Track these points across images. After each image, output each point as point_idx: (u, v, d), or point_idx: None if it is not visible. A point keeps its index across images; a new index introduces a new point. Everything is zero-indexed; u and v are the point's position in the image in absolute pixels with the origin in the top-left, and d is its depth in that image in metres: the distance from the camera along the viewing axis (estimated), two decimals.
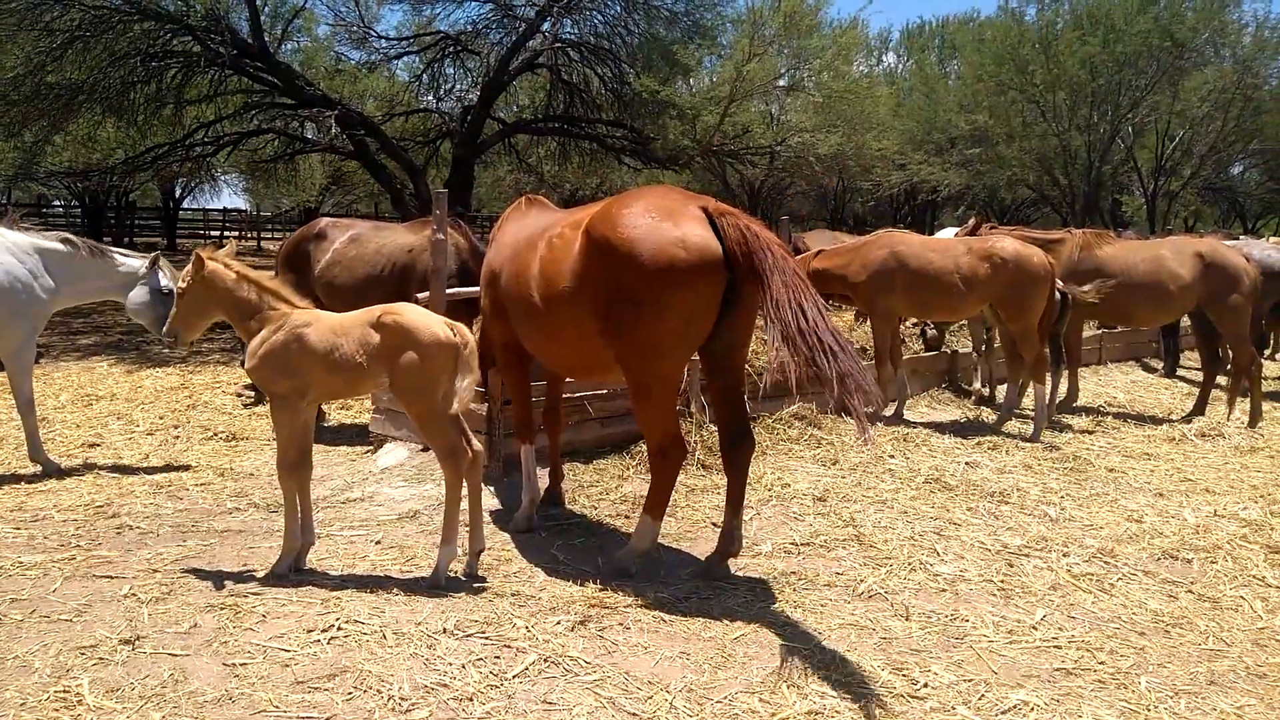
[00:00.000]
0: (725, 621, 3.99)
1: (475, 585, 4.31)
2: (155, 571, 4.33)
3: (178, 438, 7.64)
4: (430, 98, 23.54)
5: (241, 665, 3.42)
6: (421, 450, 6.39)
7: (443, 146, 23.00)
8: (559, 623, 3.91)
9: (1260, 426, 8.36)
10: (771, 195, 32.32)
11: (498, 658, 3.58)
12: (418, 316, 4.32)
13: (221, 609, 3.89)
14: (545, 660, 3.57)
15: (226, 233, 39.94)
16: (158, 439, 7.56)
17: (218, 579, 4.25)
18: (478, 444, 4.43)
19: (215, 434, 7.76)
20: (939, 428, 7.90)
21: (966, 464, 6.83)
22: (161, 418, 8.33)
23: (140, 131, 18.27)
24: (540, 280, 4.49)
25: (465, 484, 4.31)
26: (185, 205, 37.80)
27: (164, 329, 6.59)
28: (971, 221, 9.18)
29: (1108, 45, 19.88)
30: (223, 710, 3.12)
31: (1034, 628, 4.10)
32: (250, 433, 7.88)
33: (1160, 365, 11.82)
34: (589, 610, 4.03)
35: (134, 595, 4.02)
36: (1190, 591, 4.57)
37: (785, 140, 19.24)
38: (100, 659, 3.43)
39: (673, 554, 4.88)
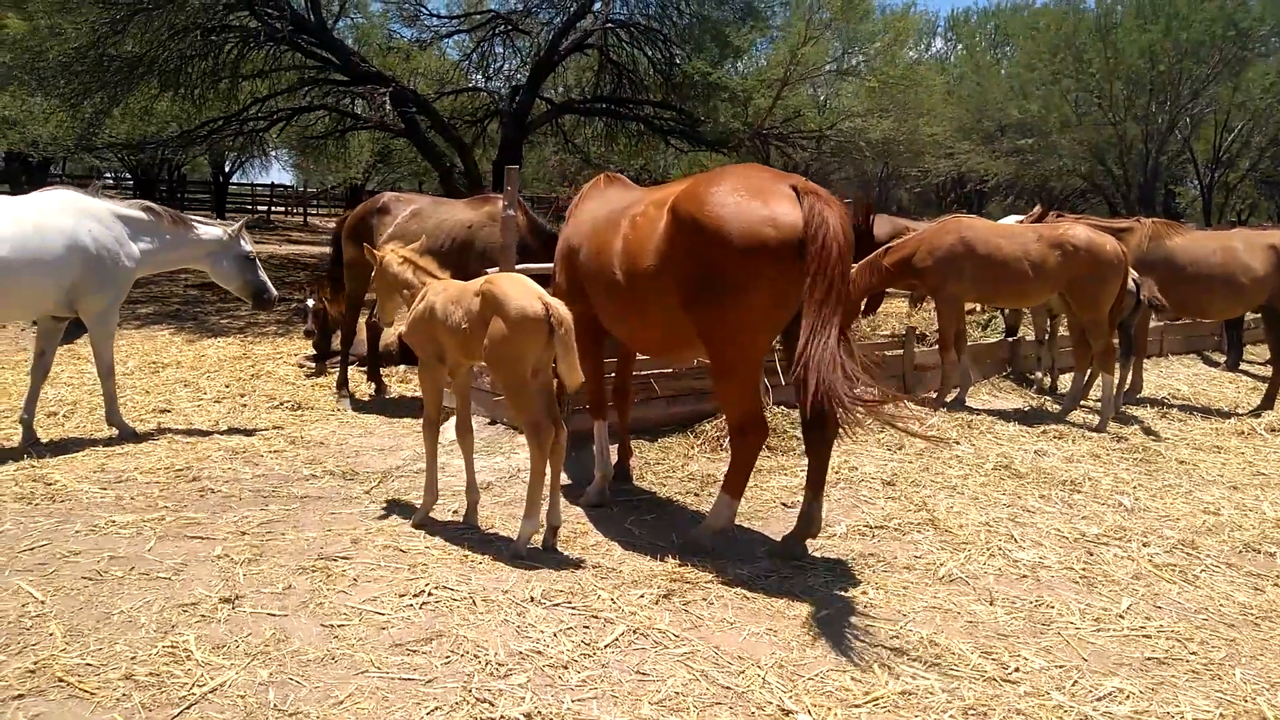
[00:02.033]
0: (808, 601, 3.99)
1: (556, 557, 4.34)
2: (244, 534, 4.41)
3: (245, 405, 7.76)
4: (478, 77, 23.62)
5: (339, 626, 3.47)
6: (489, 423, 6.43)
7: (490, 126, 23.08)
8: (642, 596, 3.93)
9: None
10: (815, 181, 32.03)
11: (587, 627, 3.60)
12: (509, 287, 4.35)
13: (313, 571, 3.96)
14: (634, 632, 3.59)
15: (274, 208, 40.35)
16: (225, 406, 7.69)
17: (308, 543, 4.32)
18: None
19: (281, 403, 7.88)
20: (1003, 415, 7.81)
21: (1034, 452, 6.75)
22: (227, 386, 8.46)
23: (196, 105, 18.49)
24: (624, 258, 4.49)
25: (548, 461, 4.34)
26: (234, 180, 38.25)
27: (259, 295, 6.73)
28: (1037, 209, 9.03)
29: (1170, 33, 19.43)
30: (325, 669, 3.18)
31: (1120, 616, 4.06)
32: (314, 402, 7.99)
33: (1223, 359, 11.60)
34: (671, 585, 4.04)
35: (227, 556, 4.09)
36: (1277, 585, 4.49)
37: (835, 125, 19.03)
38: (203, 616, 3.50)
39: (744, 533, 4.88)
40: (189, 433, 6.62)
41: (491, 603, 3.75)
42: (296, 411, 7.65)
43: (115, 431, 6.42)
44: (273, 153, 30.40)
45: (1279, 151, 25.16)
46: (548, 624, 3.60)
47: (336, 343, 9.52)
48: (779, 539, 4.66)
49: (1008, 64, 27.10)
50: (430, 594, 3.78)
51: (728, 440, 5.13)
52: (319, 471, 5.67)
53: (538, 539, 4.43)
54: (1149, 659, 3.70)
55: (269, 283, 7.02)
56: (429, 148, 19.71)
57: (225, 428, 6.87)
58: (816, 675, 3.37)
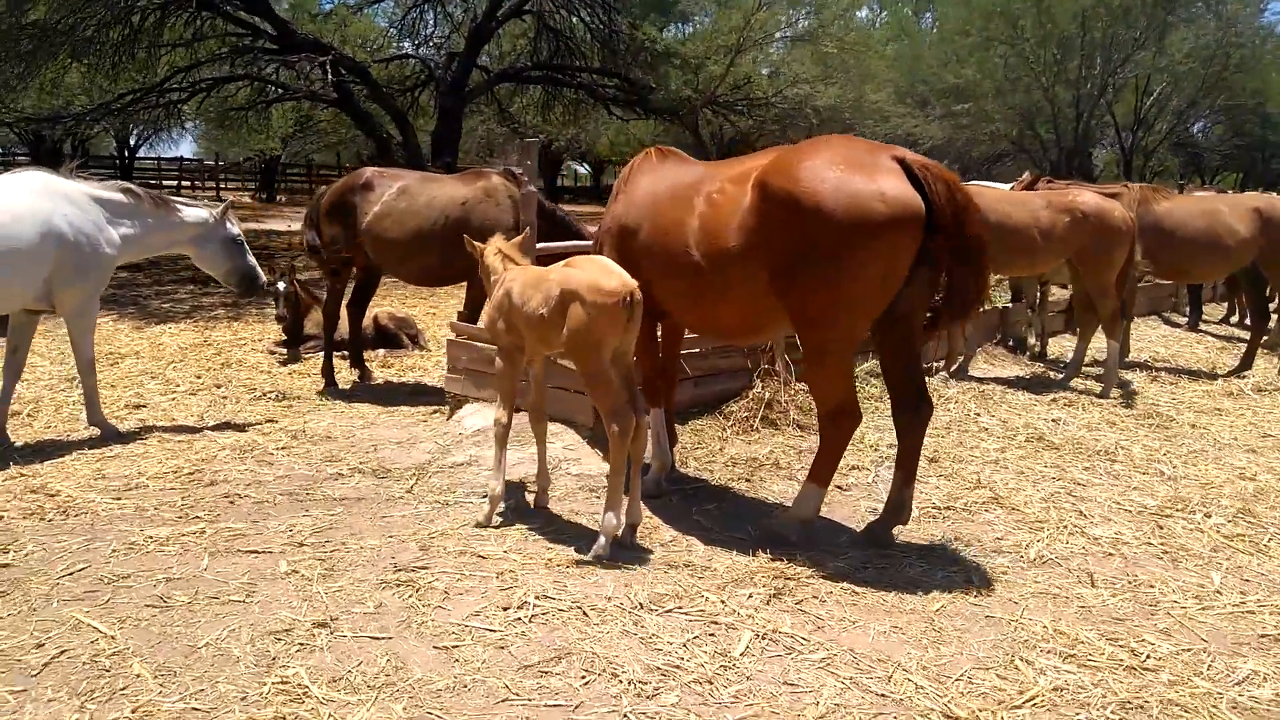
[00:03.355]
0: (918, 593, 3.84)
1: (640, 556, 4.10)
2: (301, 545, 4.05)
3: (225, 398, 7.27)
4: (406, 44, 22.76)
5: (454, 648, 3.18)
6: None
7: (421, 96, 22.28)
8: (751, 596, 3.72)
9: None
10: (740, 149, 31.98)
11: (712, 635, 3.38)
12: (586, 268, 4.09)
13: (398, 585, 3.64)
14: (762, 637, 3.38)
15: (182, 183, 38.47)
16: (204, 399, 7.18)
17: (375, 551, 3.99)
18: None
19: (263, 394, 7.41)
20: (1006, 384, 7.81)
21: (1053, 421, 6.75)
22: (199, 377, 7.93)
23: (109, 77, 17.38)
24: (702, 237, 4.23)
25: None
26: (140, 154, 36.29)
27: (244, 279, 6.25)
28: (1026, 176, 9.03)
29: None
30: (462, 699, 2.88)
31: (1218, 593, 4.02)
32: (299, 391, 7.55)
33: (1183, 320, 11.92)
34: (775, 583, 3.84)
35: (297, 572, 3.73)
36: None
37: (781, 91, 18.89)
38: (301, 644, 3.16)
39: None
40: (177, 430, 6.14)
41: (601, 612, 3.49)
42: (283, 403, 7.19)
43: (96, 431, 5.91)
44: (189, 125, 28.85)
45: (1196, 114, 26.01)
46: (670, 633, 3.37)
47: (309, 327, 9.03)
48: (859, 526, 4.52)
49: (937, 30, 27.32)
50: (533, 605, 3.50)
51: (815, 420, 4.99)
52: (344, 470, 5.30)
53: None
54: (1263, 636, 3.66)
55: (258, 267, 6.54)
56: (365, 118, 18.95)
57: (213, 423, 6.40)
58: (962, 675, 3.22)
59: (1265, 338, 9.18)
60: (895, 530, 4.46)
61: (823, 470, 4.26)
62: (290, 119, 27.64)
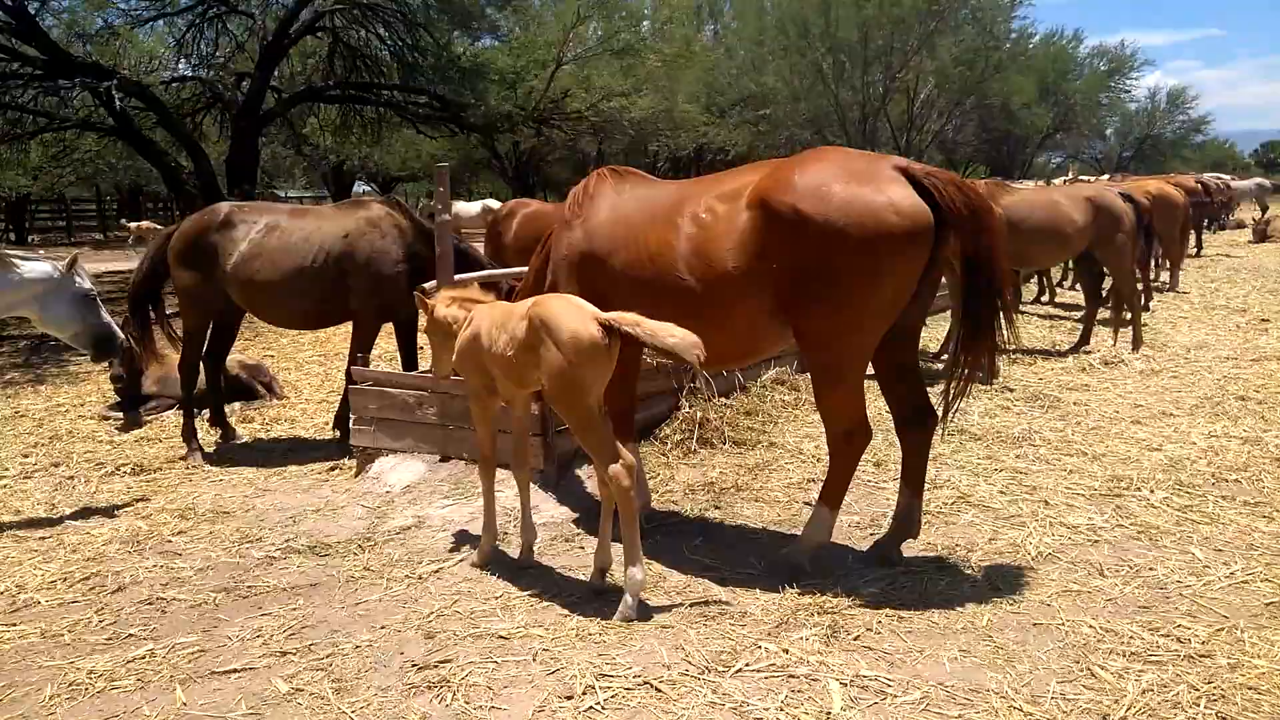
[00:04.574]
0: (958, 611, 3.74)
1: (658, 608, 3.78)
2: (284, 654, 3.42)
3: (71, 478, 6.26)
4: (182, 65, 20.95)
5: None
6: (440, 461, 5.58)
7: (204, 120, 20.57)
8: (806, 639, 3.49)
9: (1142, 350, 9.18)
10: (532, 161, 31.82)
11: (797, 691, 3.13)
12: (559, 308, 3.71)
13: (430, 689, 3.13)
14: (848, 685, 3.16)
15: None
16: (45, 483, 6.16)
17: (377, 650, 3.44)
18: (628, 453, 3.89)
19: (116, 468, 6.43)
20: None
21: (961, 411, 6.95)
22: (26, 456, 6.80)
23: None
24: (694, 261, 3.96)
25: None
26: None
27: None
28: (1071, 174, 9.43)
29: (883, 7, 21.12)
30: None
31: (1206, 568, 4.18)
32: (156, 460, 6.61)
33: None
34: (819, 619, 3.64)
35: (302, 691, 3.14)
36: None
37: (595, 105, 18.82)
38: None
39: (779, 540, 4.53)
40: (31, 525, 5.20)
41: (672, 684, 3.15)
42: (144, 476, 6.28)
43: None
44: None
45: (963, 115, 28.30)
46: (756, 696, 3.08)
47: (148, 385, 7.98)
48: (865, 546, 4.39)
49: (730, 38, 28.22)
50: (596, 688, 3.11)
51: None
52: (273, 552, 4.62)
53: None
54: (1269, 604, 3.82)
55: (115, 325, 5.64)
56: (147, 146, 17.22)
57: (71, 510, 5.47)
58: (1057, 694, 3.13)
59: (1110, 315, 9.94)
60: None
61: (835, 492, 4.10)
62: (50, 150, 24.73)
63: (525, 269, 6.62)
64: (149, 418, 7.74)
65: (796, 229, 3.71)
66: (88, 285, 5.46)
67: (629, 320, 3.62)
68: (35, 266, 5.27)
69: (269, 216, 6.70)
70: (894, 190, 3.69)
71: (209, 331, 6.95)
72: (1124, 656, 3.37)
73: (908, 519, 4.19)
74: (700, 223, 3.98)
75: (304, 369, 9.85)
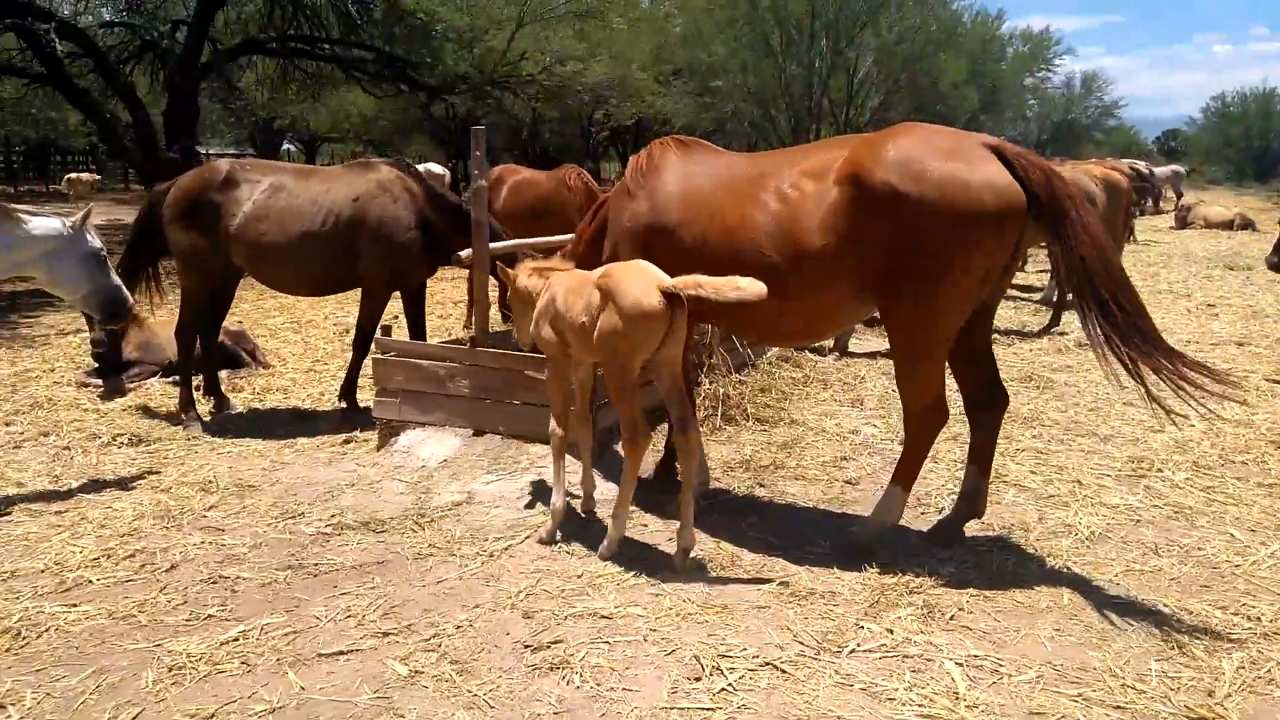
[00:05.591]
0: (1035, 587, 3.84)
1: (757, 584, 3.79)
2: (386, 635, 3.32)
3: (67, 449, 5.94)
4: (107, 10, 19.86)
5: None
6: (474, 435, 5.47)
7: (134, 71, 19.54)
8: (902, 619, 3.54)
9: None
10: (468, 125, 31.12)
11: (917, 670, 3.17)
12: (625, 276, 3.74)
13: (553, 670, 3.08)
14: (963, 665, 3.22)
15: None
16: (39, 453, 5.84)
17: (480, 630, 3.37)
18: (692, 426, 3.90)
19: (112, 439, 6.13)
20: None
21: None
22: (9, 424, 6.42)
23: None
24: (779, 238, 3.92)
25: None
26: None
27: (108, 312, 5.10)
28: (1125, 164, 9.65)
29: None
30: None
31: (1247, 547, 4.37)
32: (152, 431, 6.32)
33: None
34: (909, 599, 3.69)
35: (423, 673, 3.04)
36: None
37: (548, 69, 18.50)
38: None
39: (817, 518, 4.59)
40: (39, 498, 4.94)
41: (793, 665, 3.17)
42: (144, 447, 6.01)
43: None
44: None
45: (902, 92, 28.65)
46: (879, 677, 3.12)
47: (129, 351, 7.61)
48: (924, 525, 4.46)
49: (677, 7, 27.96)
50: (722, 670, 3.10)
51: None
52: (323, 528, 4.47)
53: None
54: None
55: (124, 287, 5.35)
56: (81, 96, 16.29)
57: (78, 484, 5.21)
58: (1154, 672, 3.24)
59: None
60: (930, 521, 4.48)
61: (909, 472, 4.15)
62: None
63: (533, 240, 6.52)
64: (131, 385, 7.38)
65: (890, 205, 3.71)
66: (98, 244, 5.15)
67: (690, 283, 3.64)
68: (43, 223, 4.95)
69: (273, 176, 6.42)
70: (989, 168, 3.72)
71: (208, 295, 6.64)
72: (1205, 635, 3.50)
73: (974, 499, 4.26)
74: (786, 199, 3.95)
75: (279, 336, 9.52)
